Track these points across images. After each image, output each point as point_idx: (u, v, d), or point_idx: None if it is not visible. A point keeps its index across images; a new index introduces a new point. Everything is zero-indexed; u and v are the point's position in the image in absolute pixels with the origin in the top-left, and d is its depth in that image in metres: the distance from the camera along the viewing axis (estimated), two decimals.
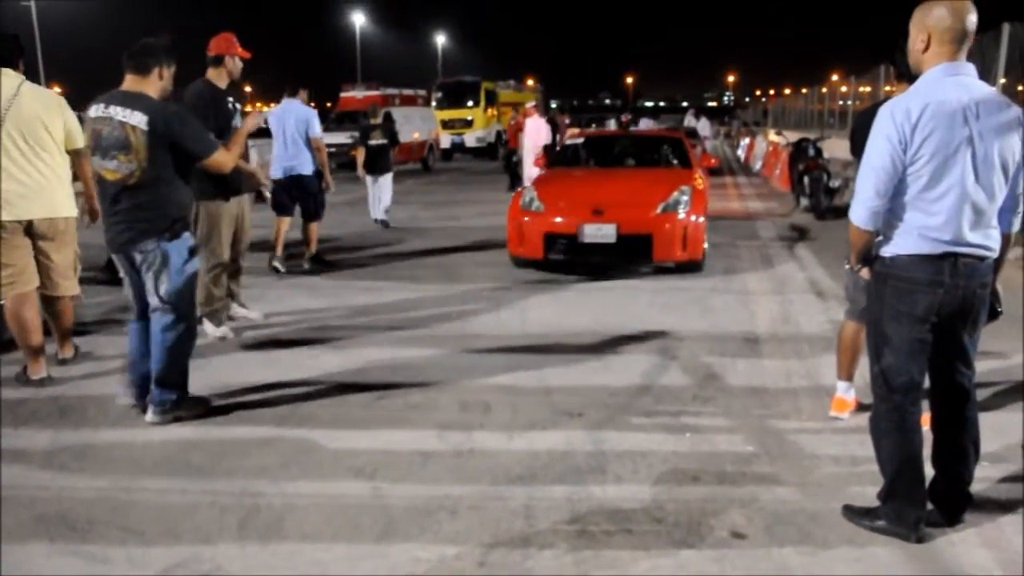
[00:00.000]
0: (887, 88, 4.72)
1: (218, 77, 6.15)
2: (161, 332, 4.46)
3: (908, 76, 4.04)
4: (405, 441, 4.21)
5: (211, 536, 3.30)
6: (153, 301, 4.47)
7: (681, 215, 8.06)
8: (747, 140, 28.74)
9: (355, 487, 3.71)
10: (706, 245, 8.49)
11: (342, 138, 22.18)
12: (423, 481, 3.76)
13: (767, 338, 6.03)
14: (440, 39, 68.50)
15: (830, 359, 4.79)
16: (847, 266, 3.55)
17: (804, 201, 13.37)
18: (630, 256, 8.22)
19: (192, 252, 4.55)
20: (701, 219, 8.19)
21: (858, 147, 3.96)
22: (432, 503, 3.53)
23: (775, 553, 3.13)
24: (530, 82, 42.26)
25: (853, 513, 3.37)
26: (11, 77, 5.02)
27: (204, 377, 5.13)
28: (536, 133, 14.96)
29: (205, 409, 4.65)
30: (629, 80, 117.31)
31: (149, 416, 4.51)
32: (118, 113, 4.26)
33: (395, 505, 3.53)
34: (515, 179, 16.61)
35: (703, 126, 25.08)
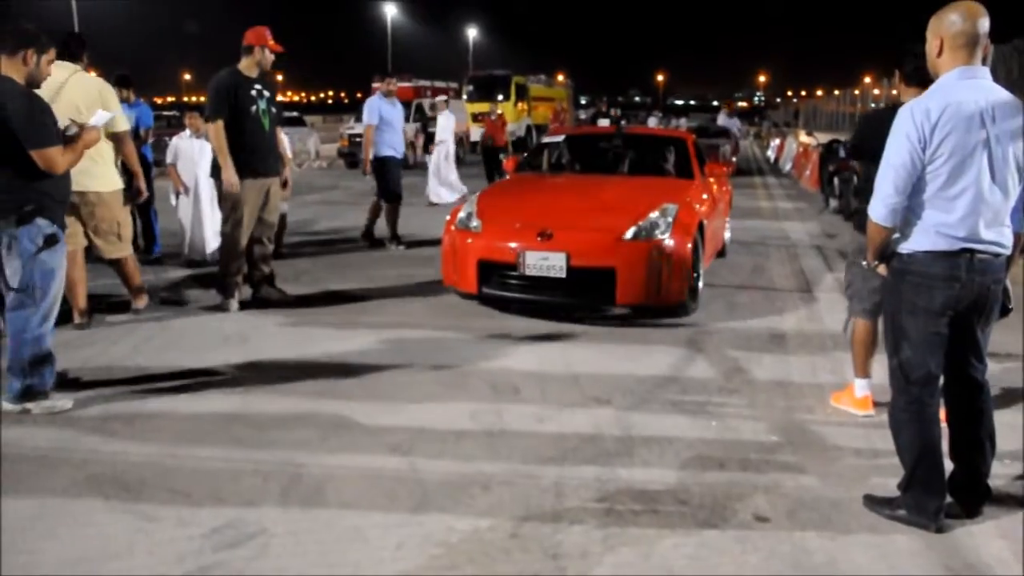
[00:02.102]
0: (892, 92, 4.83)
1: (248, 67, 6.42)
2: (11, 317, 4.41)
3: (917, 80, 4.15)
4: (438, 420, 4.35)
5: (255, 500, 3.46)
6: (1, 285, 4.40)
7: (661, 241, 6.16)
8: (777, 141, 28.68)
9: (391, 461, 3.86)
10: (700, 283, 6.75)
11: None
12: (456, 458, 3.90)
13: (793, 334, 6.13)
14: (471, 32, 68.63)
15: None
16: (863, 263, 3.65)
17: (833, 202, 13.40)
18: (584, 296, 6.27)
19: (49, 241, 4.37)
20: (689, 246, 6.27)
21: (866, 150, 4.07)
22: (465, 478, 3.68)
23: (796, 537, 3.24)
24: (560, 77, 42.25)
25: (874, 502, 3.47)
26: (63, 68, 5.43)
27: (246, 353, 5.33)
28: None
29: (61, 408, 4.49)
30: (660, 78, 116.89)
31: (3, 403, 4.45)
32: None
33: (429, 479, 3.67)
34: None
35: (733, 124, 25.00)
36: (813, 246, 10.24)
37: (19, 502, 3.43)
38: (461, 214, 6.77)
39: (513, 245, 6.27)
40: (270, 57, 6.46)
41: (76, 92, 5.54)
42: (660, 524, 3.31)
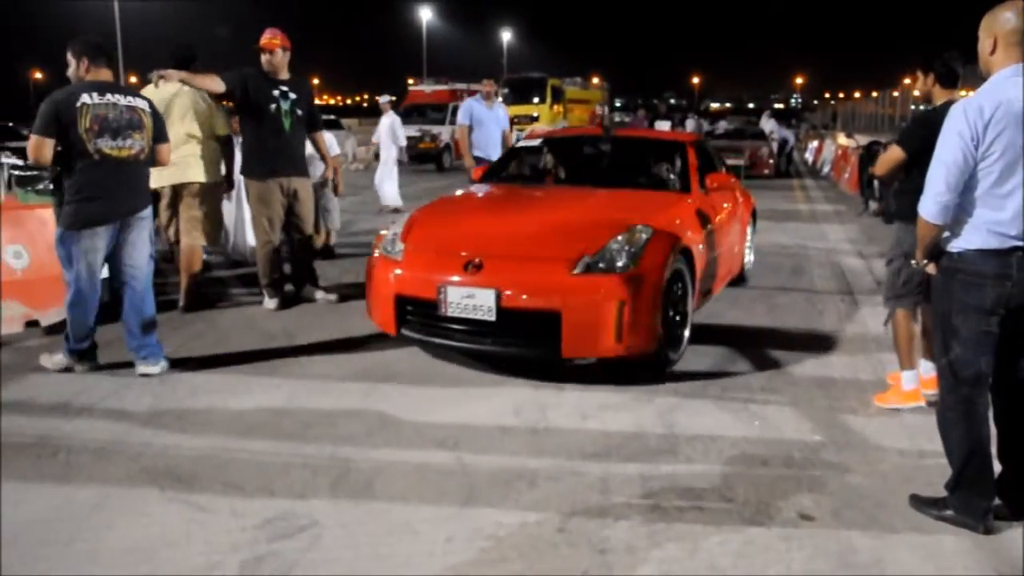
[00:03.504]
0: (915, 94, 4.74)
1: (265, 66, 6.46)
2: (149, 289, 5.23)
3: (951, 82, 4.40)
4: (483, 417, 4.40)
5: (306, 493, 3.53)
6: (146, 265, 5.19)
7: (622, 276, 4.81)
8: (815, 143, 28.45)
9: (438, 456, 3.91)
10: (687, 327, 5.45)
11: (411, 131, 22.51)
12: (502, 453, 3.95)
13: (834, 335, 6.10)
14: (506, 35, 68.81)
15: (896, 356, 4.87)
16: (912, 262, 3.65)
17: (873, 204, 13.29)
18: (519, 345, 4.91)
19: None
20: (662, 280, 4.92)
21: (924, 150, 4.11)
22: (511, 474, 3.72)
23: (842, 535, 3.24)
24: (595, 80, 42.22)
25: (920, 502, 3.46)
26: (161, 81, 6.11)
27: (290, 350, 5.42)
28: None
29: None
30: (695, 80, 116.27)
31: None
32: (121, 99, 4.94)
33: (477, 474, 3.72)
34: None
35: (780, 131, 24.78)
36: (853, 248, 10.17)
37: (79, 491, 3.54)
38: (387, 236, 5.57)
39: (433, 278, 5.02)
40: (278, 56, 6.47)
41: (184, 99, 6.46)
42: (705, 521, 3.33)
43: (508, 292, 4.81)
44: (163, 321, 6.29)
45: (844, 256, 9.59)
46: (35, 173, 7.89)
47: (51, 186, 6.27)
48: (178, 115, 6.46)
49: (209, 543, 3.13)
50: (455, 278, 4.94)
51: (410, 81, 35.18)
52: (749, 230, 7.90)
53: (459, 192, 6.91)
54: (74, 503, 3.44)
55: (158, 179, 6.21)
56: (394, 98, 14.60)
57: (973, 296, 3.19)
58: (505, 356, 5.07)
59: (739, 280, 7.58)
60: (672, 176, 6.77)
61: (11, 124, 23.39)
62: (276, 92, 6.41)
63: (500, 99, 9.56)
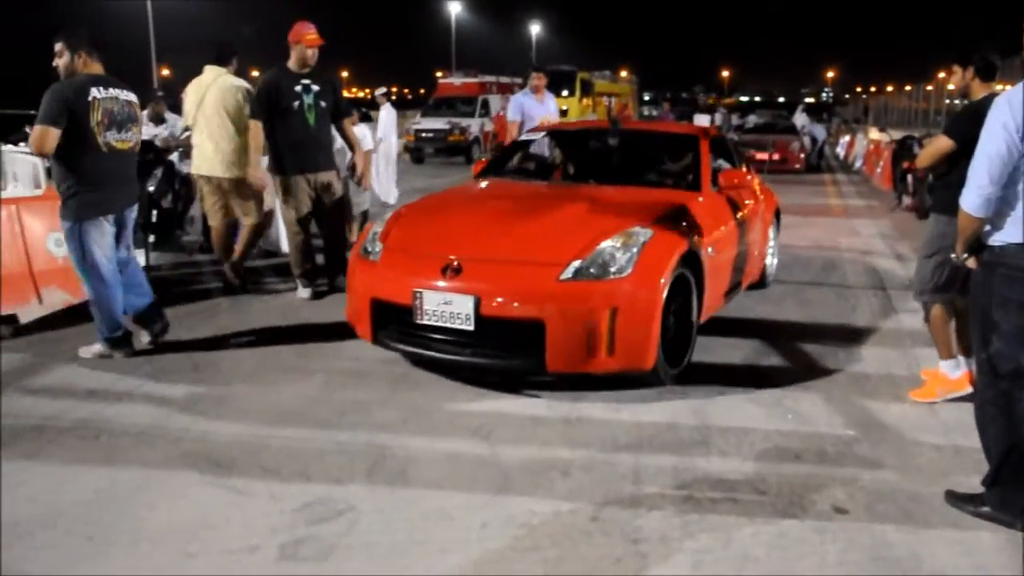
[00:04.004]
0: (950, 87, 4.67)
1: (293, 63, 6.53)
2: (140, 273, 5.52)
3: (989, 76, 4.43)
4: (516, 407, 4.44)
5: (342, 479, 3.58)
6: (125, 253, 5.34)
7: (615, 282, 4.45)
8: (847, 138, 28.18)
9: (471, 445, 3.95)
10: (691, 348, 5.05)
11: (440, 123, 22.61)
12: (535, 443, 3.98)
13: (867, 330, 6.07)
14: (535, 28, 68.68)
15: (930, 352, 4.85)
16: (952, 256, 3.63)
17: (906, 199, 13.16)
18: (500, 356, 4.57)
19: None
20: (661, 288, 4.51)
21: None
22: (544, 463, 3.75)
23: (876, 529, 3.24)
24: (624, 73, 42.07)
25: (956, 498, 3.44)
26: (210, 72, 6.78)
27: (322, 339, 5.49)
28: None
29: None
30: (725, 73, 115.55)
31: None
32: (120, 94, 5.09)
33: (510, 463, 3.76)
34: None
35: (813, 128, 24.57)
36: (885, 244, 10.09)
37: (121, 473, 3.61)
38: (368, 236, 5.25)
39: (409, 281, 4.68)
40: (310, 52, 6.50)
41: (219, 91, 6.66)
42: (739, 512, 3.34)
43: (488, 298, 4.43)
44: (199, 309, 6.43)
45: (876, 252, 9.52)
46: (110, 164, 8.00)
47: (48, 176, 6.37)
48: (212, 108, 6.69)
49: (248, 526, 3.19)
50: (432, 282, 4.56)
51: (439, 74, 35.22)
52: (771, 231, 7.37)
53: (452, 188, 6.58)
54: (117, 485, 3.51)
55: (209, 168, 6.72)
56: (389, 90, 14.47)
57: (1014, 290, 3.17)
58: (485, 369, 4.72)
59: (759, 285, 7.13)
60: (681, 173, 6.37)
61: None
62: (298, 88, 6.42)
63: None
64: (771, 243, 7.41)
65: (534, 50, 66.96)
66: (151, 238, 7.81)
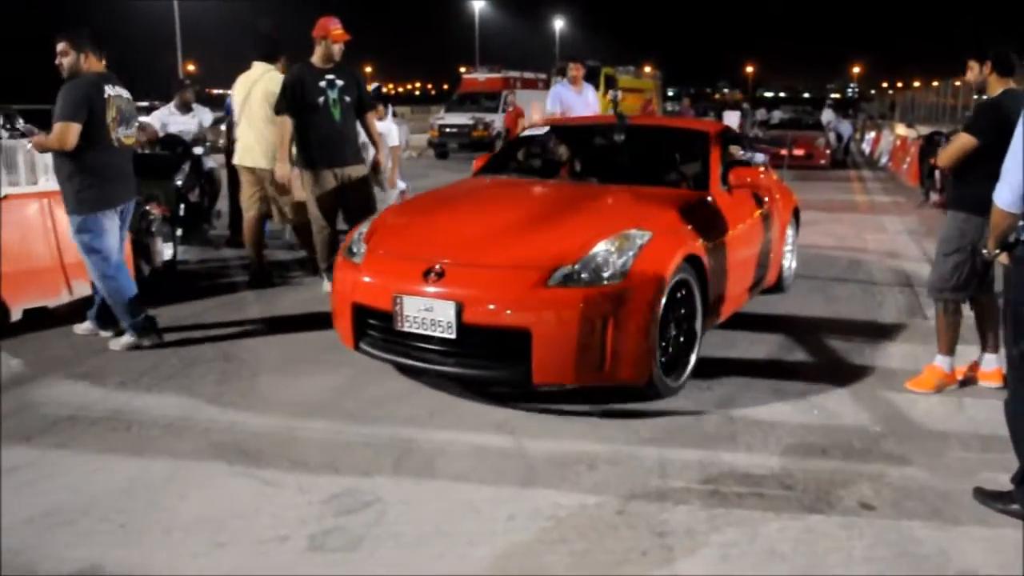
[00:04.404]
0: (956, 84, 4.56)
1: (318, 59, 6.54)
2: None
3: (1008, 70, 4.43)
4: (542, 400, 4.45)
5: (369, 471, 3.61)
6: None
7: (608, 289, 4.15)
8: (872, 134, 27.96)
9: (497, 439, 3.97)
10: (694, 352, 4.72)
11: (464, 119, 22.64)
12: (561, 437, 3.99)
13: (893, 326, 6.04)
14: (559, 23, 68.57)
15: (960, 348, 4.82)
16: (984, 251, 3.61)
17: (934, 196, 13.04)
18: (483, 367, 4.30)
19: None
20: (657, 295, 4.24)
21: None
22: (570, 457, 3.76)
23: (903, 526, 3.23)
24: (648, 68, 41.87)
25: (985, 495, 3.42)
26: (258, 67, 7.04)
27: None
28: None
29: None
30: (749, 69, 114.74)
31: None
32: (123, 92, 5.25)
33: (535, 457, 3.77)
34: None
35: (828, 116, 24.44)
36: (912, 240, 10.01)
37: (152, 463, 3.67)
38: (353, 237, 5.01)
39: (390, 286, 4.43)
40: (336, 47, 6.51)
41: (263, 86, 6.89)
42: (765, 507, 3.34)
43: (471, 305, 4.17)
44: (226, 302, 6.51)
45: (903, 248, 9.44)
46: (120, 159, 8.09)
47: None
48: (258, 102, 6.91)
49: (278, 516, 3.22)
50: (412, 287, 4.31)
51: (462, 69, 35.24)
52: (789, 232, 6.99)
53: (446, 186, 6.36)
54: (149, 474, 3.57)
55: (251, 159, 6.98)
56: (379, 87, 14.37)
57: None
58: (469, 380, 4.48)
59: (776, 288, 6.82)
60: (688, 171, 5.97)
61: None
62: (323, 83, 6.43)
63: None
64: (788, 244, 7.03)
65: (558, 46, 66.83)
66: (178, 232, 7.89)
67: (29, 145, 6.15)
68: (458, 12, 68.95)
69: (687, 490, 3.47)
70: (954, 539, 3.14)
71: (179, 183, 8.11)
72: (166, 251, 7.08)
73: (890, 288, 7.33)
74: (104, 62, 5.22)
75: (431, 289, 4.26)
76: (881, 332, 5.87)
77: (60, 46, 5.09)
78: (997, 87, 4.46)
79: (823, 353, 5.38)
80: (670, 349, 4.51)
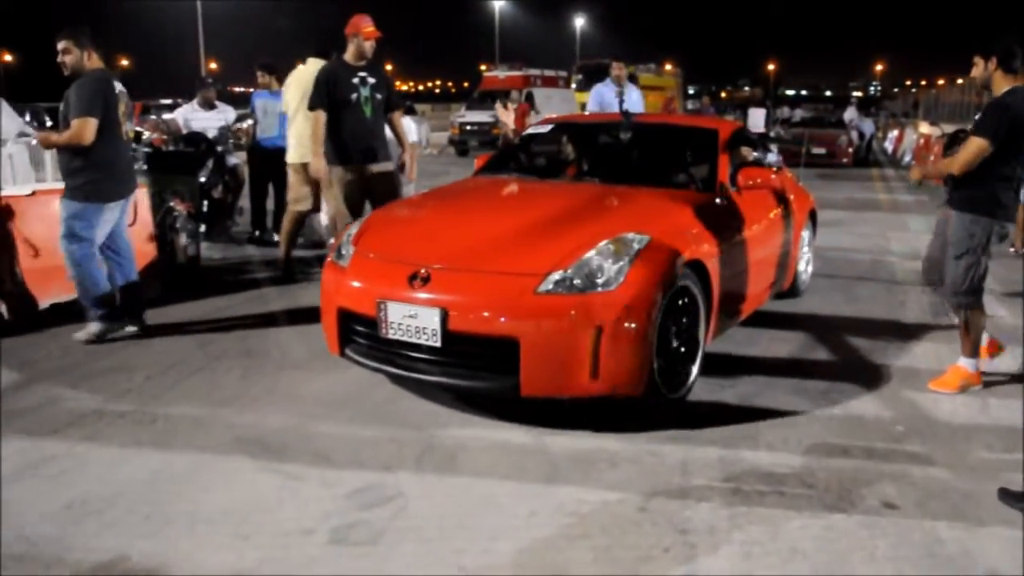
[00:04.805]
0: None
1: (350, 56, 6.54)
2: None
3: (1014, 67, 4.41)
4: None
5: (392, 466, 3.63)
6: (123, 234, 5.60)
7: (600, 296, 3.91)
8: (895, 132, 27.76)
9: (519, 435, 3.98)
10: (695, 362, 4.48)
11: (484, 117, 22.68)
12: (583, 434, 3.99)
13: (916, 326, 6.00)
14: (579, 21, 68.46)
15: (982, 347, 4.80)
16: (1011, 249, 3.59)
17: None
18: (470, 376, 4.04)
19: None
20: (654, 303, 3.98)
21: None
22: (592, 455, 3.78)
23: (927, 526, 3.21)
24: (668, 67, 41.71)
25: (1009, 496, 3.40)
26: (313, 64, 7.12)
27: None
28: None
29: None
30: (771, 67, 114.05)
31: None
32: (122, 88, 5.42)
33: (558, 453, 3.79)
34: None
35: (851, 114, 24.30)
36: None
37: (177, 457, 3.71)
38: (343, 239, 4.80)
39: (374, 291, 4.23)
40: (367, 44, 6.49)
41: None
42: (786, 506, 3.34)
43: (456, 312, 3.96)
44: (250, 298, 6.56)
45: (926, 247, 9.34)
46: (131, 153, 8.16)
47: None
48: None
49: (301, 509, 3.25)
50: (397, 292, 4.11)
51: (483, 67, 35.27)
52: (804, 235, 6.72)
53: (442, 186, 6.16)
54: (173, 467, 3.61)
55: (300, 155, 7.06)
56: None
57: None
58: (455, 390, 4.29)
59: (791, 293, 6.60)
60: (695, 171, 5.68)
61: None
62: (356, 80, 6.45)
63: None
64: (804, 248, 6.79)
65: (578, 44, 66.75)
66: (202, 228, 7.95)
67: (34, 141, 6.23)
68: (478, 10, 69.00)
69: (709, 488, 3.47)
70: (979, 540, 3.13)
71: (203, 179, 8.17)
72: (190, 247, 7.14)
73: (913, 288, 7.28)
74: (102, 60, 5.32)
75: (415, 295, 4.05)
76: (904, 332, 5.84)
77: (62, 44, 5.18)
78: (1003, 84, 4.44)
79: (845, 352, 5.36)
80: (670, 360, 4.25)
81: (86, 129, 5.04)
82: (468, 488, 3.45)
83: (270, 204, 9.07)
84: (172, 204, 7.09)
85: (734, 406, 4.39)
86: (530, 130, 6.99)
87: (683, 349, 4.37)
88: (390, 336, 4.13)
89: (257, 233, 9.03)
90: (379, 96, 6.55)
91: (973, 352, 4.69)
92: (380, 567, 2.89)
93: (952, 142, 14.35)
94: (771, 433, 4.04)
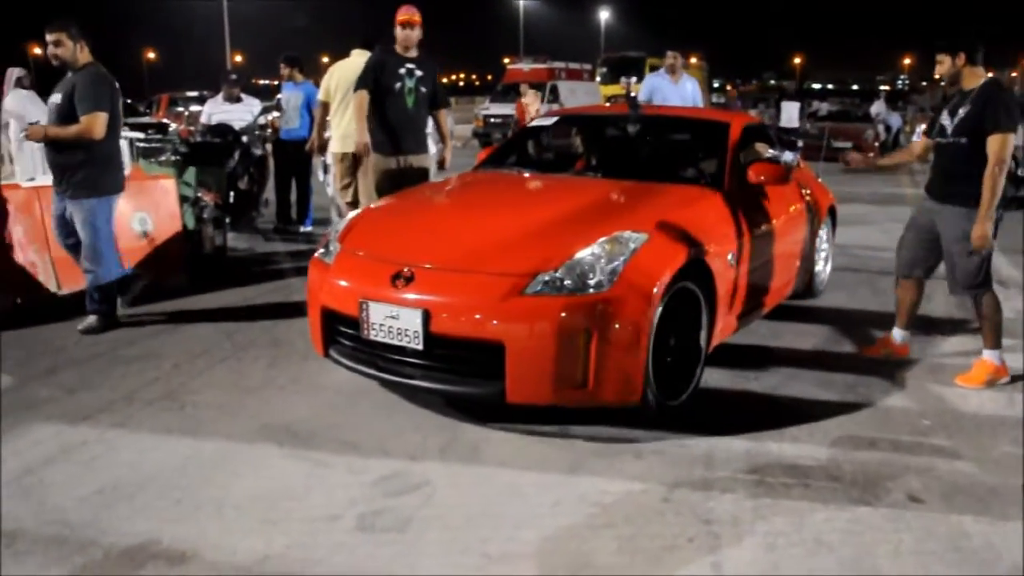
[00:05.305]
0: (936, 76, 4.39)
1: (398, 45, 6.54)
2: None
3: (981, 60, 4.50)
4: None
5: (417, 455, 3.66)
6: None
7: (591, 299, 3.69)
8: (923, 126, 27.45)
9: (543, 426, 3.99)
10: (697, 374, 4.30)
11: (508, 109, 22.66)
12: (606, 425, 4.00)
13: (944, 320, 5.96)
14: (604, 13, 68.17)
15: (1009, 342, 4.78)
16: None
17: None
18: (453, 382, 3.86)
19: None
20: (651, 306, 3.77)
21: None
22: (616, 445, 3.79)
23: (953, 520, 3.20)
24: (693, 60, 41.46)
25: None
26: (358, 55, 7.03)
27: None
28: None
29: None
30: (797, 60, 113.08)
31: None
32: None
33: (581, 445, 3.80)
34: None
35: (878, 108, 24.09)
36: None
37: (205, 443, 3.77)
38: (330, 236, 4.63)
39: (356, 290, 4.05)
40: (405, 33, 6.44)
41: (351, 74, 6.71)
42: (811, 498, 3.34)
43: (438, 314, 3.76)
44: (275, 288, 6.61)
45: (901, 242, 9.23)
46: (158, 145, 8.26)
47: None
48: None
49: (328, 496, 3.29)
50: (379, 292, 3.93)
51: (507, 60, 35.24)
52: (822, 233, 6.45)
53: (437, 181, 5.88)
54: (202, 454, 3.66)
55: (343, 145, 6.98)
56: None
57: None
58: (438, 394, 4.09)
59: (807, 294, 6.34)
60: (702, 166, 5.41)
61: (129, 101, 24.38)
62: (403, 70, 6.43)
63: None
64: (823, 247, 6.54)
65: (602, 36, 66.50)
66: (227, 219, 8.02)
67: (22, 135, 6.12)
68: (503, 3, 68.88)
69: (733, 479, 3.47)
70: (1005, 535, 3.11)
71: (229, 171, 8.24)
72: (217, 237, 7.21)
73: (939, 282, 7.15)
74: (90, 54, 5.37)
75: (398, 295, 3.86)
76: (930, 325, 5.79)
77: (53, 37, 5.17)
78: (974, 77, 4.51)
79: (870, 344, 5.32)
80: (669, 365, 4.05)
81: (97, 123, 5.13)
82: (492, 477, 3.47)
83: (293, 196, 9.15)
84: (200, 195, 7.16)
85: (759, 398, 4.39)
86: (534, 123, 6.87)
87: (684, 354, 4.19)
88: (372, 338, 3.95)
89: (282, 224, 9.11)
90: (423, 89, 6.48)
91: (996, 343, 4.67)
92: (406, 554, 2.93)
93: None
94: (796, 425, 4.03)
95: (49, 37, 5.19)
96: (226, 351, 5.06)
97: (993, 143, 4.38)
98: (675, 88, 8.29)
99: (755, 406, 4.29)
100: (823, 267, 6.66)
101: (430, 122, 6.86)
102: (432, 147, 7.87)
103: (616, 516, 3.16)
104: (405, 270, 3.92)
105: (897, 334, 5.10)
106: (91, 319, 5.43)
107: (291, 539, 3.00)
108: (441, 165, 6.99)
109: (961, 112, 4.55)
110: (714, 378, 4.64)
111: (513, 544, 2.98)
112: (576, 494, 3.33)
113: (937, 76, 4.68)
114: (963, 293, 4.73)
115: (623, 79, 32.68)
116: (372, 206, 5.18)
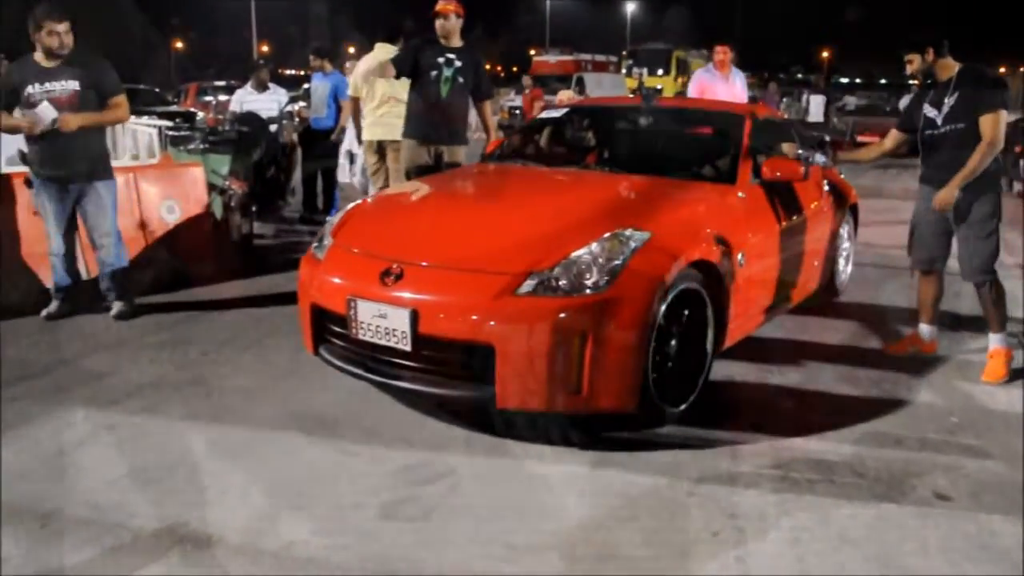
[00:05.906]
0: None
1: (438, 31, 6.52)
2: None
3: (948, 50, 4.60)
4: None
5: (441, 446, 3.68)
6: None
7: (588, 300, 3.52)
8: None
9: (568, 418, 3.98)
10: (700, 382, 4.11)
11: None
12: (632, 419, 4.00)
13: (971, 317, 5.88)
14: (630, 6, 67.78)
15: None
16: None
17: (1017, 185, 12.64)
18: (442, 384, 3.70)
19: None
20: (649, 309, 3.59)
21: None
22: (641, 439, 3.79)
23: (981, 518, 3.17)
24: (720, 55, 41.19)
25: None
26: (383, 49, 7.21)
27: None
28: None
29: None
30: (824, 54, 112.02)
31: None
32: None
33: (607, 437, 3.80)
34: None
35: (905, 102, 23.89)
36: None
37: (232, 430, 3.81)
38: (324, 228, 4.50)
39: (345, 287, 3.90)
40: (442, 23, 6.37)
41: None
42: (836, 494, 3.32)
43: (426, 313, 3.60)
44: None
45: (911, 235, 9.12)
46: (187, 134, 8.32)
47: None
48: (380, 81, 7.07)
49: (353, 483, 3.32)
50: (367, 289, 3.77)
51: (532, 52, 35.18)
52: (844, 231, 6.21)
53: (437, 174, 5.79)
54: (228, 440, 3.70)
55: (371, 134, 7.15)
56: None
57: None
58: (427, 398, 3.95)
59: (827, 294, 6.13)
60: (715, 161, 5.11)
61: (157, 90, 24.58)
62: (441, 59, 6.36)
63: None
64: (845, 245, 6.34)
65: (628, 28, 66.11)
66: (254, 207, 8.06)
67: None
68: None
69: (758, 474, 3.46)
70: None
71: (257, 159, 8.28)
72: (244, 225, 7.25)
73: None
74: None
75: (386, 293, 3.71)
76: (958, 322, 5.74)
77: (63, 27, 5.05)
78: (948, 68, 4.64)
79: (897, 341, 5.28)
80: (671, 370, 3.89)
81: (126, 108, 5.34)
82: (517, 469, 3.48)
83: (319, 186, 9.19)
84: (228, 183, 7.20)
85: (784, 392, 4.37)
86: (542, 115, 6.72)
87: (688, 358, 4.01)
88: (360, 337, 3.80)
89: (308, 213, 9.15)
90: (461, 80, 6.36)
91: (1002, 326, 4.72)
92: (431, 543, 2.94)
93: (1015, 131, 14.06)
94: (821, 420, 4.01)
95: (58, 27, 5.04)
96: (252, 338, 5.10)
97: (986, 122, 4.45)
98: (723, 83, 8.05)
99: (780, 401, 4.27)
100: (844, 266, 6.46)
101: (473, 113, 6.84)
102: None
103: (641, 509, 3.16)
104: (395, 267, 3.78)
105: (924, 330, 5.05)
106: (120, 305, 5.48)
107: (317, 525, 3.02)
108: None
109: (949, 101, 4.60)
110: (739, 372, 4.63)
111: (538, 535, 2.98)
112: (601, 486, 3.33)
113: (909, 73, 4.81)
114: (980, 278, 4.72)
115: (635, 70, 32.32)
116: (368, 199, 5.08)
